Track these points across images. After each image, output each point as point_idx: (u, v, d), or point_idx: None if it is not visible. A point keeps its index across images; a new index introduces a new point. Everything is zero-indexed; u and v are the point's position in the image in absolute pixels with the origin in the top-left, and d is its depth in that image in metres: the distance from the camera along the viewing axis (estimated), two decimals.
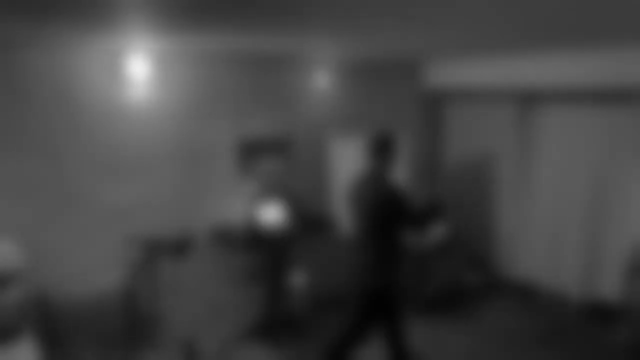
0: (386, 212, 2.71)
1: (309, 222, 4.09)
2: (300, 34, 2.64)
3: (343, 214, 4.36)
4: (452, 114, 5.45)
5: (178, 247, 3.63)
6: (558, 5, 1.89)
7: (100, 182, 3.32)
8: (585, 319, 4.16)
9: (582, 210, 4.32)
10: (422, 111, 5.45)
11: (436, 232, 4.47)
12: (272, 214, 3.83)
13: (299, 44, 3.17)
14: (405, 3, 1.82)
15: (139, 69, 3.36)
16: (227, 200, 3.95)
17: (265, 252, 4.00)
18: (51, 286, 3.09)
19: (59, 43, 3.01)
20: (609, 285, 4.10)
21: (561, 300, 4.47)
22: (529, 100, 4.63)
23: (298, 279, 4.26)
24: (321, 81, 4.45)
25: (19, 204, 3.03)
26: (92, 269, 3.31)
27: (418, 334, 4.07)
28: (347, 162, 4.39)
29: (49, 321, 3.01)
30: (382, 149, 2.79)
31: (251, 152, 4.03)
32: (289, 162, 4.30)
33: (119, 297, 3.28)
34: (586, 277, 4.27)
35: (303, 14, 2.04)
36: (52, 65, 3.06)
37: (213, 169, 3.87)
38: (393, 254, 2.79)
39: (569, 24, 2.36)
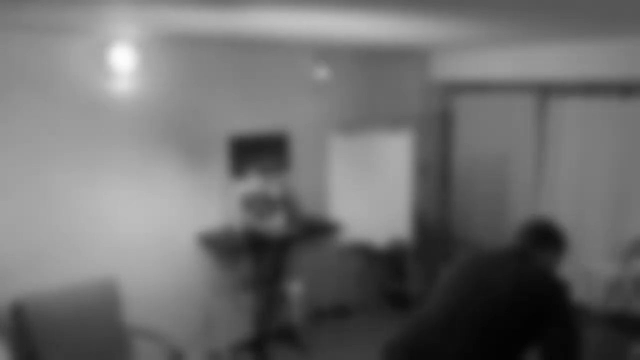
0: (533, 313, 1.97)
1: (307, 227, 4.00)
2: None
3: (342, 217, 4.28)
4: (463, 107, 5.35)
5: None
6: None
7: (83, 181, 3.25)
8: (609, 331, 4.06)
9: (605, 211, 4.22)
10: (431, 104, 5.35)
11: None
12: (267, 218, 3.75)
13: (293, 31, 3.07)
14: None
15: (124, 59, 3.28)
16: (219, 203, 3.86)
17: (260, 258, 3.93)
18: (27, 294, 3.01)
19: (37, 29, 2.94)
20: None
21: (582, 310, 4.37)
22: (547, 92, 4.52)
23: (295, 288, 4.20)
24: (322, 71, 4.34)
25: None
26: (72, 276, 3.24)
27: None
28: (347, 161, 4.29)
29: (25, 332, 2.93)
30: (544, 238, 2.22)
31: (245, 150, 3.93)
32: (285, 161, 4.21)
33: (101, 306, 3.20)
34: (611, 285, 4.16)
35: None
36: (32, 53, 3.00)
37: (204, 169, 3.78)
38: None
39: (591, 12, 2.25)
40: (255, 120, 4.03)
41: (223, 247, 3.78)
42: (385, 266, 4.81)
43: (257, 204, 3.77)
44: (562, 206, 4.51)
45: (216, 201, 3.86)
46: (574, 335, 1.99)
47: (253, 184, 3.85)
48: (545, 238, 2.21)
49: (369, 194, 4.34)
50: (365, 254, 4.78)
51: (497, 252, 2.22)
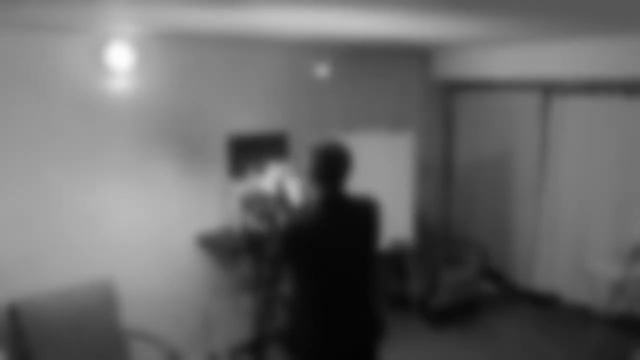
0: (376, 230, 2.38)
1: None
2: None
3: None
4: (465, 107, 5.31)
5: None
6: None
7: (80, 181, 3.22)
8: (612, 333, 4.04)
9: (609, 211, 4.18)
10: (433, 103, 5.32)
11: None
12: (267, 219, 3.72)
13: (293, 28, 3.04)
14: None
15: (121, 57, 3.25)
16: (218, 203, 3.83)
17: (259, 259, 3.90)
18: (23, 295, 2.98)
19: (33, 27, 2.91)
20: None
21: (586, 313, 4.34)
22: (550, 91, 4.48)
23: None
24: (322, 70, 4.30)
25: None
26: (68, 278, 3.21)
27: (429, 347, 3.98)
28: None
29: (20, 334, 2.90)
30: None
31: (244, 150, 3.90)
32: (285, 161, 4.17)
33: (98, 308, 3.17)
34: (615, 287, 4.14)
35: None
36: (28, 51, 2.97)
37: (203, 169, 3.75)
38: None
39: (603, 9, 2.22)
40: (254, 120, 4.00)
41: (222, 248, 3.75)
42: (387, 267, 4.77)
43: (257, 205, 3.74)
44: (565, 206, 4.48)
45: (215, 201, 3.83)
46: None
47: (252, 184, 3.82)
48: (347, 164, 2.23)
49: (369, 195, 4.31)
50: None
51: (317, 215, 2.22)
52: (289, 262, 2.26)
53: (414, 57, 5.04)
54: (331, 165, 2.21)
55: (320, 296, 2.26)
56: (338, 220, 2.24)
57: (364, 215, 2.32)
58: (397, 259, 4.66)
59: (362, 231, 2.32)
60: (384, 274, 4.85)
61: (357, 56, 4.56)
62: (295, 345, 2.36)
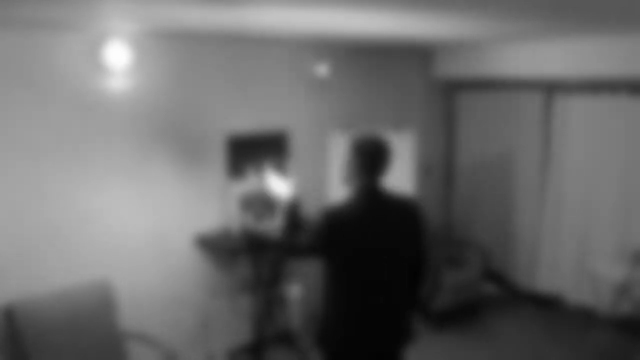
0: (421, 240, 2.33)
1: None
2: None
3: None
4: (467, 106, 5.29)
5: None
6: None
7: (77, 181, 3.20)
8: (616, 334, 4.02)
9: (613, 212, 4.16)
10: (435, 102, 5.30)
11: None
12: (266, 219, 3.70)
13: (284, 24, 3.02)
14: None
15: (119, 56, 3.23)
16: (217, 203, 3.82)
17: (259, 260, 3.89)
18: (19, 297, 2.96)
19: (29, 25, 2.89)
20: None
21: (589, 314, 4.32)
22: (553, 90, 4.46)
23: (294, 291, 4.16)
24: (322, 69, 4.29)
25: None
26: (65, 279, 3.19)
27: (431, 349, 3.97)
28: None
29: (16, 336, 2.88)
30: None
31: (243, 149, 3.88)
32: (285, 161, 4.16)
33: (95, 310, 3.16)
34: (619, 289, 4.12)
35: None
36: (24, 50, 2.94)
37: (201, 168, 3.73)
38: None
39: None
40: (254, 119, 3.98)
41: (221, 248, 3.73)
42: None
43: (256, 205, 3.72)
44: (568, 206, 4.46)
45: (214, 202, 3.81)
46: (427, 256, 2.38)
47: (252, 184, 3.81)
48: (388, 158, 2.24)
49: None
50: None
51: (358, 206, 2.19)
52: (326, 250, 2.18)
53: (415, 55, 5.02)
54: (373, 159, 2.20)
55: (353, 294, 2.18)
56: (379, 214, 2.19)
57: (406, 216, 2.26)
58: None
59: (404, 232, 2.25)
60: None
61: (357, 55, 4.54)
62: (324, 341, 2.31)
